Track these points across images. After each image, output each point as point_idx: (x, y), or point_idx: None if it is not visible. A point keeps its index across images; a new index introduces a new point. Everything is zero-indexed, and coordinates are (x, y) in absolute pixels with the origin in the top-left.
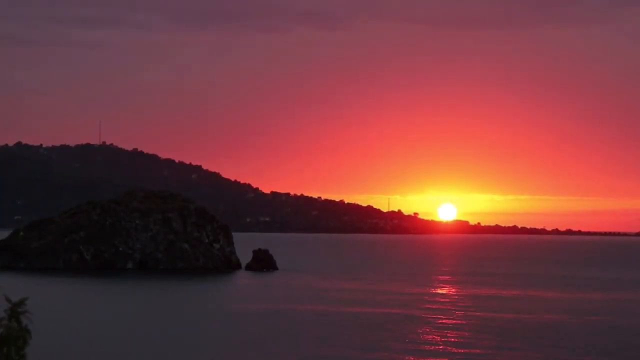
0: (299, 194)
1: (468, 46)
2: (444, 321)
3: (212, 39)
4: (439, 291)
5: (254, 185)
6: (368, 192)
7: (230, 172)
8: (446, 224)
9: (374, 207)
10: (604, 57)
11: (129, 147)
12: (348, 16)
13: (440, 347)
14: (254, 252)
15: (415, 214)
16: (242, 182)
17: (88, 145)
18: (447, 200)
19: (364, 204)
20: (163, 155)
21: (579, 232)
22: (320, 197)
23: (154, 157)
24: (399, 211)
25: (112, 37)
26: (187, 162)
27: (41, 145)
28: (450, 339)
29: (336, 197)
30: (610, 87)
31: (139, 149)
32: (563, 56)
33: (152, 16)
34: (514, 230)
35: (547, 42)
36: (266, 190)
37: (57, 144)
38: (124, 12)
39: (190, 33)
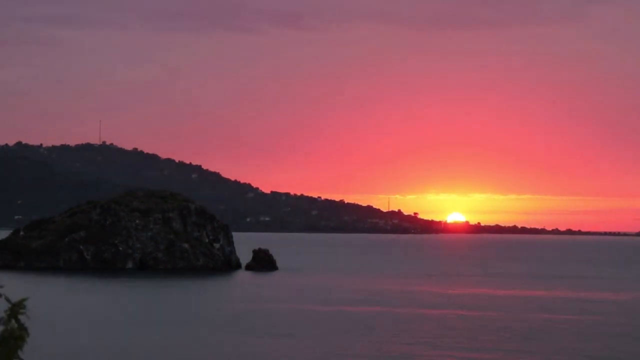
0: (299, 194)
1: (460, 45)
2: (446, 320)
3: (195, 39)
4: (440, 290)
5: (254, 185)
6: (368, 192)
7: (230, 172)
8: (446, 223)
9: (374, 207)
10: (601, 55)
11: (129, 147)
12: (324, 17)
13: (444, 346)
14: (254, 252)
15: (415, 213)
16: (242, 182)
17: (88, 145)
18: (447, 200)
19: (364, 204)
20: (163, 155)
21: (579, 232)
22: (320, 197)
23: (154, 157)
24: (399, 211)
25: (89, 37)
26: (187, 162)
27: (41, 145)
28: (449, 339)
29: (336, 197)
30: (609, 86)
31: (139, 149)
32: (561, 56)
33: (127, 16)
34: (514, 230)
35: (535, 41)
36: (266, 190)
37: (57, 144)
38: (95, 11)
39: (171, 33)
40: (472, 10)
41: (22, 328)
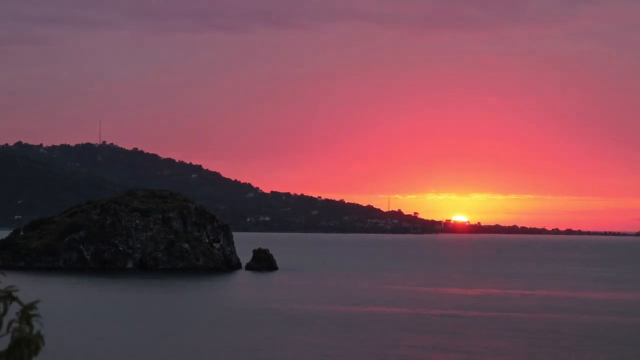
0: (299, 194)
1: (454, 45)
2: (445, 320)
3: (194, 39)
4: (444, 290)
5: (254, 185)
6: (368, 192)
7: (230, 172)
8: (446, 223)
9: (374, 207)
10: (598, 55)
11: (129, 147)
12: (318, 17)
13: (444, 346)
14: (254, 252)
15: (416, 213)
16: (242, 182)
17: (88, 145)
18: (447, 200)
19: (364, 204)
20: (163, 155)
21: (579, 232)
22: (320, 197)
23: (154, 157)
24: (399, 211)
25: (89, 37)
26: (187, 162)
27: (41, 145)
28: (449, 340)
29: (336, 197)
30: (609, 87)
31: (139, 149)
32: (557, 56)
33: (127, 16)
34: (514, 230)
35: (534, 41)
36: (266, 190)
37: (57, 143)
38: (95, 12)
39: (171, 33)
40: (464, 10)
41: (38, 335)
